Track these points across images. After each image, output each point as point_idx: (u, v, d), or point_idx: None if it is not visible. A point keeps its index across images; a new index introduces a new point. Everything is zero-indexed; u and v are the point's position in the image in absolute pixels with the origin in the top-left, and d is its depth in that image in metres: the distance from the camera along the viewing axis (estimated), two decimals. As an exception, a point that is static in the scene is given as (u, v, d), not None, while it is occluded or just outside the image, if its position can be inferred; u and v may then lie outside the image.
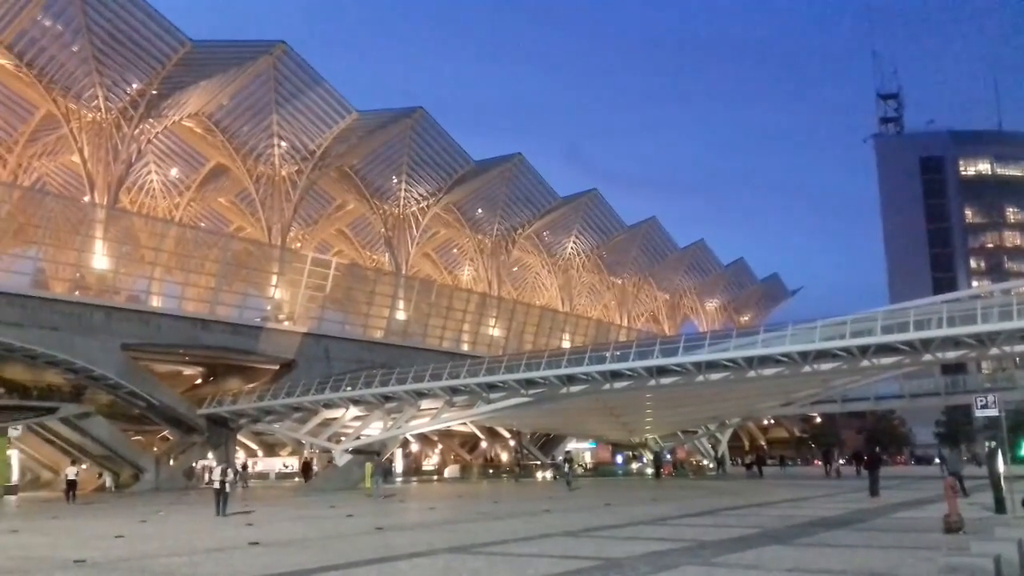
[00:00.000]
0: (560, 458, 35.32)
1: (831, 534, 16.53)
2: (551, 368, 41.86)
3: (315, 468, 55.59)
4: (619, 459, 67.82)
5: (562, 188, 79.35)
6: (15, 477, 49.68)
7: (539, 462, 67.13)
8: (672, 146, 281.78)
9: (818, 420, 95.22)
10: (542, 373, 41.82)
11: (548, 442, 71.68)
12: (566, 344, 74.05)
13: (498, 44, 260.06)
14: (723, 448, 65.66)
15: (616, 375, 40.31)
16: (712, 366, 38.20)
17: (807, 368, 36.79)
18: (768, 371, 37.65)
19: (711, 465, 64.50)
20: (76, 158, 51.83)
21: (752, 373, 37.66)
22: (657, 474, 54.38)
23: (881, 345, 34.69)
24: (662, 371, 39.12)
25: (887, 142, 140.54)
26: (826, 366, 36.99)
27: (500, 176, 71.83)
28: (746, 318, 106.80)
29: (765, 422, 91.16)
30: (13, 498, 43.20)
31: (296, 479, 57.03)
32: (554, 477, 56.51)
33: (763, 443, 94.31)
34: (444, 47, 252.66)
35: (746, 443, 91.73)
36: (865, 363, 36.18)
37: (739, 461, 71.82)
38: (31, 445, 50.99)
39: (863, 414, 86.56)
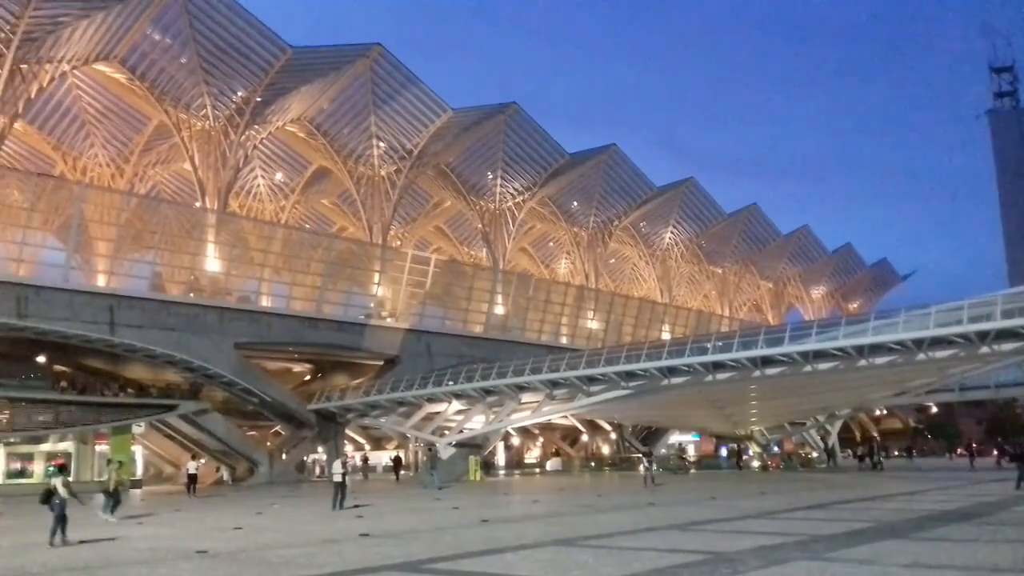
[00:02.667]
0: (645, 460, 34.72)
1: (951, 528, 15.83)
2: (651, 360, 41.40)
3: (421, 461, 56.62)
4: (723, 452, 66.53)
5: (658, 177, 78.61)
6: (139, 472, 52.37)
7: (641, 455, 66.52)
8: (772, 130, 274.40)
9: (934, 410, 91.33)
10: (642, 365, 41.41)
11: (650, 435, 71.02)
12: (666, 336, 73.17)
13: (590, 35, 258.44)
14: (833, 440, 63.69)
15: (719, 366, 39.58)
16: (820, 355, 37.06)
17: (921, 356, 35.28)
18: (880, 360, 36.27)
19: (821, 457, 62.66)
20: (187, 166, 54.17)
21: (863, 362, 36.36)
22: (764, 467, 53.10)
23: (1002, 330, 32.92)
24: (767, 361, 38.18)
25: (1001, 117, 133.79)
26: (942, 354, 35.37)
27: (595, 168, 71.54)
28: (855, 305, 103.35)
29: (877, 412, 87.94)
30: (138, 492, 45.55)
31: (411, 473, 58.26)
32: (659, 470, 55.95)
33: (876, 434, 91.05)
34: (536, 40, 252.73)
35: (858, 434, 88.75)
36: (984, 350, 34.42)
37: (852, 453, 69.56)
38: (153, 441, 53.66)
39: (983, 403, 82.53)
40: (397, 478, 46.60)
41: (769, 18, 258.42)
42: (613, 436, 70.90)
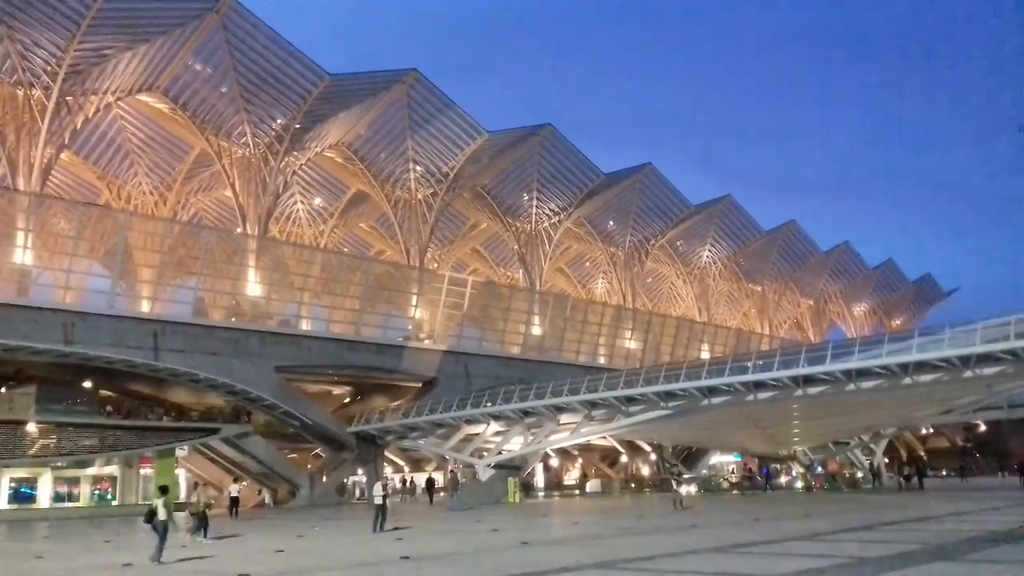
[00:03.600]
0: (674, 483, 34.24)
1: (1003, 549, 15.45)
2: (691, 380, 41.05)
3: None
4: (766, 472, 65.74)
5: (694, 196, 78.31)
6: (183, 495, 52.96)
7: (672, 476, 65.86)
8: (810, 146, 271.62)
9: (983, 428, 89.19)
10: (681, 385, 41.08)
11: (690, 455, 70.32)
12: (705, 355, 72.60)
13: (623, 55, 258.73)
14: (878, 459, 62.57)
15: (759, 385, 39.12)
16: (863, 374, 36.46)
17: (968, 373, 34.52)
18: (925, 377, 35.59)
19: (866, 477, 61.53)
20: (229, 192, 55.12)
21: (907, 380, 35.69)
22: (808, 488, 52.31)
23: (1052, 346, 32.15)
24: (809, 380, 37.66)
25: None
26: (989, 370, 34.59)
27: (631, 187, 71.54)
28: (898, 322, 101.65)
29: (924, 431, 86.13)
30: (181, 515, 46.01)
31: (441, 494, 58.23)
32: (699, 491, 55.45)
33: (922, 453, 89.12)
34: (569, 61, 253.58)
35: (903, 454, 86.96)
36: (1034, 366, 33.66)
37: (900, 473, 68.21)
38: (196, 464, 54.25)
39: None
40: (431, 500, 46.49)
41: (804, 32, 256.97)
42: (653, 457, 70.29)
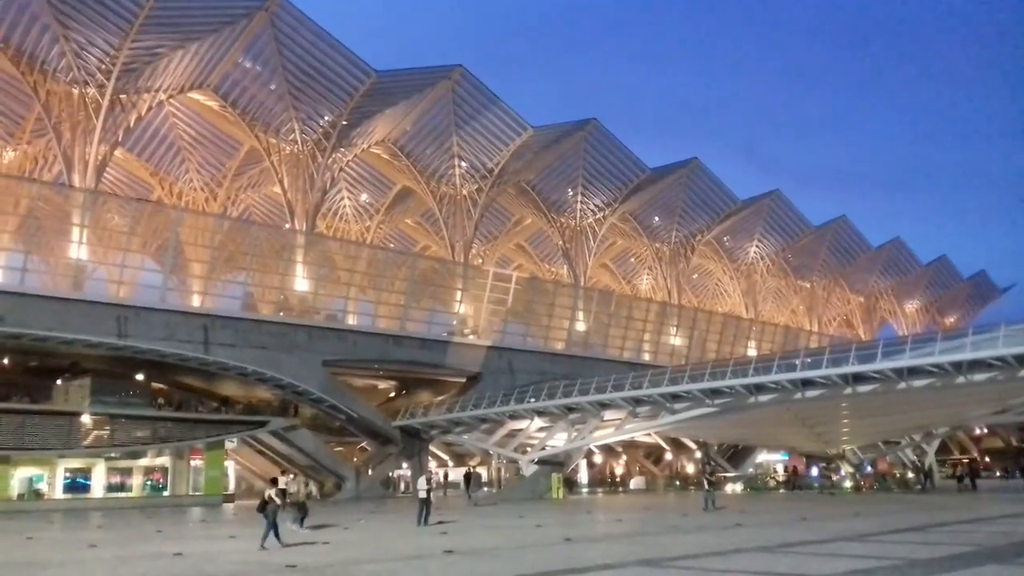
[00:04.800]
0: (706, 482, 33.82)
1: (1060, 555, 15.05)
2: (737, 377, 40.59)
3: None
4: (814, 471, 64.69)
5: (741, 190, 77.40)
6: (232, 486, 53.90)
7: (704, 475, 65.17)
8: (859, 139, 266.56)
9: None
10: (728, 382, 40.65)
11: (736, 453, 69.62)
12: (752, 352, 71.75)
13: (668, 48, 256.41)
14: (930, 460, 61.25)
15: (808, 383, 38.54)
16: (915, 372, 35.71)
17: (1024, 373, 33.67)
18: (979, 376, 34.72)
19: (917, 478, 60.30)
20: (277, 189, 55.84)
21: (960, 379, 34.86)
22: (857, 487, 51.42)
23: (1112, 345, 31.19)
24: (858, 378, 36.99)
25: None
26: (1047, 370, 33.67)
27: (676, 182, 70.95)
28: (951, 319, 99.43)
29: (977, 431, 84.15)
30: (230, 506, 46.88)
31: (484, 489, 58.37)
32: (746, 490, 54.96)
33: (975, 453, 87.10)
34: (614, 55, 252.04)
35: (957, 454, 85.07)
36: (1093, 365, 32.65)
37: (953, 474, 66.73)
38: (245, 456, 55.19)
39: (1092, 421, 77.97)
40: (468, 496, 46.32)
41: (853, 22, 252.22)
42: (698, 455, 69.71)
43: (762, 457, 69.79)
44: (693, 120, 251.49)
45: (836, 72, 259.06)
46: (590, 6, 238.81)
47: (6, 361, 46.40)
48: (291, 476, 48.10)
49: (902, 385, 36.30)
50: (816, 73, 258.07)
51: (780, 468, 67.52)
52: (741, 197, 76.37)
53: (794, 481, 58.15)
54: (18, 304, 40.70)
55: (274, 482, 21.35)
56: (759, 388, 39.91)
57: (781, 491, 54.08)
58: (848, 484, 55.08)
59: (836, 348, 42.77)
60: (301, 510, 24.86)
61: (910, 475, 59.93)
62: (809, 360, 39.34)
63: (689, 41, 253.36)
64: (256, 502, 20.68)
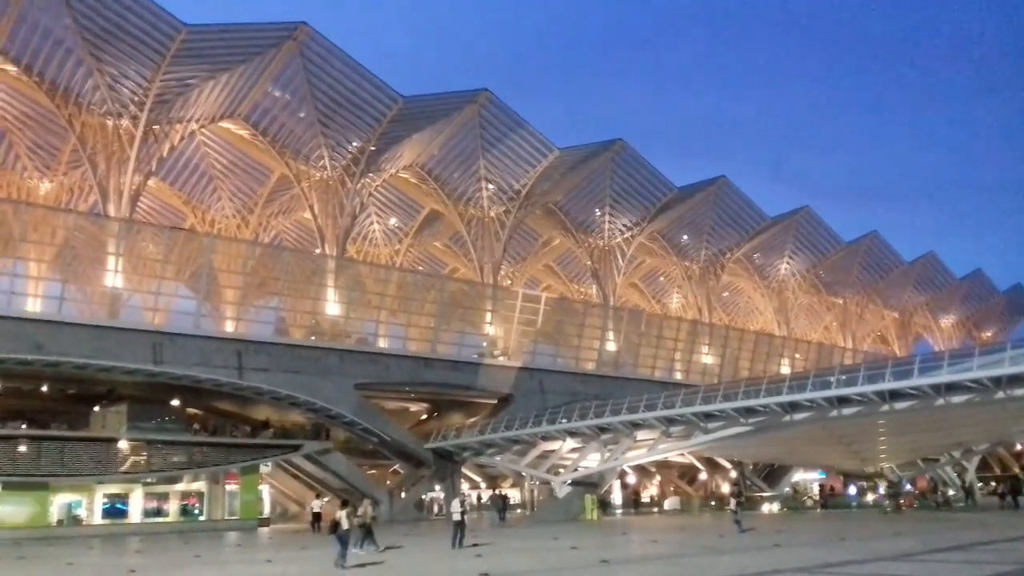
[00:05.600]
0: (732, 502, 33.29)
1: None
2: (771, 395, 40.20)
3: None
4: (852, 490, 63.74)
5: (770, 207, 77.02)
6: (267, 510, 54.15)
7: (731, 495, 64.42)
8: (889, 154, 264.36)
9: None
10: (762, 401, 40.26)
11: (772, 472, 68.80)
12: (785, 370, 71.09)
13: (689, 68, 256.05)
14: (971, 477, 60.16)
15: (843, 401, 38.08)
16: (953, 388, 35.15)
17: (1066, 387, 33.01)
18: (1019, 391, 34.07)
19: (958, 495, 59.16)
20: (307, 214, 56.43)
21: (1000, 394, 34.25)
22: (897, 506, 50.61)
23: None
24: (895, 395, 36.49)
25: None
26: (1089, 383, 33.00)
27: (705, 200, 70.78)
28: (988, 334, 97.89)
29: (1019, 447, 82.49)
30: (265, 530, 47.11)
31: (518, 511, 58.15)
32: (783, 510, 54.26)
33: (1017, 470, 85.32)
34: (636, 76, 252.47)
35: (998, 470, 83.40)
36: None
37: (995, 491, 65.42)
38: (279, 480, 55.45)
39: None
40: (502, 517, 46.06)
41: (879, 37, 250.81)
42: (733, 474, 68.96)
43: (798, 476, 68.92)
44: (719, 139, 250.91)
45: (861, 88, 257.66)
46: (613, 27, 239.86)
47: (45, 389, 47.17)
48: (326, 499, 48.49)
49: (940, 401, 35.76)
50: (841, 89, 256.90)
51: (816, 487, 66.59)
52: (770, 214, 76.01)
53: (825, 500, 57.30)
54: (56, 332, 41.39)
55: (344, 504, 22.39)
56: (794, 406, 39.50)
57: (819, 511, 53.28)
58: (887, 502, 54.23)
59: (871, 364, 42.21)
60: (367, 531, 25.26)
61: (951, 492, 58.90)
62: (844, 377, 38.87)
63: (712, 60, 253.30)
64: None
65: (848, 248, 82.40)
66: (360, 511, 26.19)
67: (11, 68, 47.27)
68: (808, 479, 69.21)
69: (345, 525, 20.54)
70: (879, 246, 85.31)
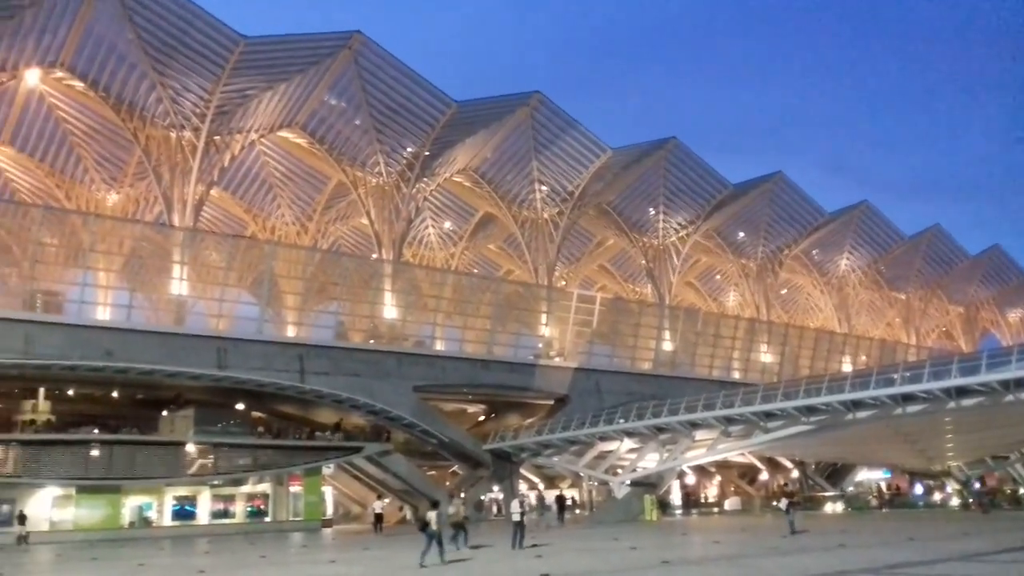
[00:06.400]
0: (784, 502, 32.59)
1: None
2: (833, 393, 39.61)
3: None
4: (919, 489, 62.36)
5: (828, 203, 75.79)
6: (329, 511, 55.03)
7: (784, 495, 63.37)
8: (951, 146, 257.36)
9: None
10: (824, 399, 39.70)
11: (836, 472, 67.65)
12: (847, 367, 69.87)
13: (741, 65, 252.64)
14: (1043, 475, 58.38)
15: (908, 398, 37.34)
16: (1023, 384, 34.27)
17: None
18: (1094, 387, 33.12)
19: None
20: (364, 220, 57.24)
21: (1073, 390, 33.31)
22: (965, 505, 49.40)
23: None
24: (962, 392, 35.65)
25: None
26: None
27: (761, 197, 69.95)
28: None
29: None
30: (328, 531, 47.90)
31: (577, 511, 58.13)
32: (847, 509, 53.36)
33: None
34: (688, 74, 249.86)
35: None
36: None
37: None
38: (341, 482, 56.29)
39: None
40: (561, 519, 45.97)
41: (938, 29, 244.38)
42: (795, 474, 67.97)
43: (863, 475, 67.66)
44: (774, 135, 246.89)
45: (921, 79, 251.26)
46: (664, 26, 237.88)
47: (115, 394, 48.65)
48: (387, 500, 49.16)
49: (1009, 397, 34.88)
50: (899, 81, 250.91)
51: (883, 486, 65.31)
52: (828, 209, 74.77)
53: (890, 499, 56.14)
54: (125, 340, 42.66)
55: (435, 505, 23.25)
56: (857, 404, 38.87)
57: (884, 510, 52.26)
58: (955, 501, 52.99)
59: (937, 361, 41.30)
60: (459, 529, 25.70)
61: (1022, 491, 57.27)
62: (909, 374, 38.13)
63: (765, 56, 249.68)
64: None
65: (910, 242, 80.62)
66: (452, 510, 26.68)
67: (78, 83, 48.93)
68: (873, 478, 67.90)
69: (435, 525, 21.02)
70: (942, 239, 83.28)
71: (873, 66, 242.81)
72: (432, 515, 21.34)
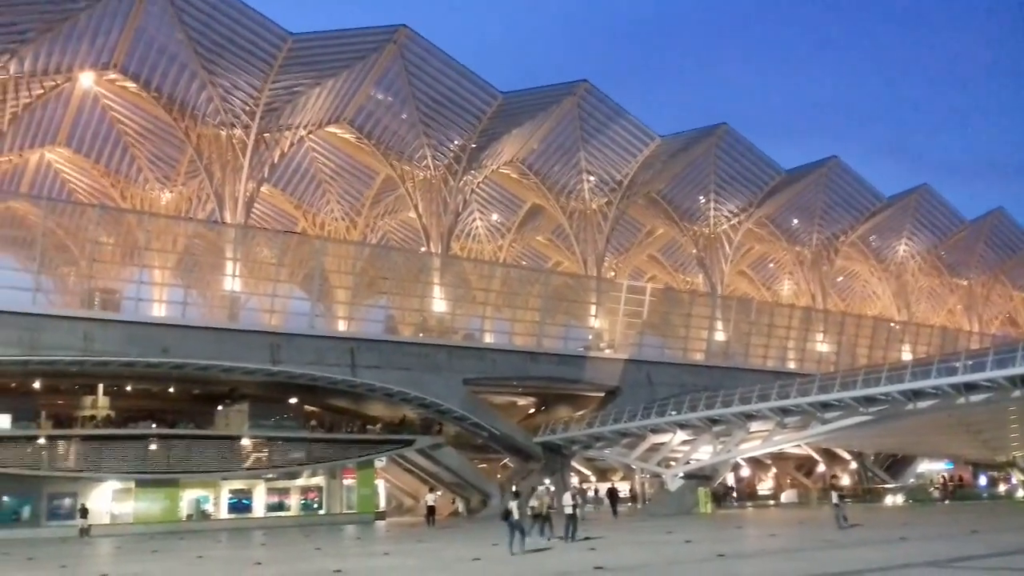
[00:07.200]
0: (834, 495, 31.41)
1: None
2: (892, 383, 38.56)
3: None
4: (982, 480, 60.65)
5: (885, 187, 73.93)
6: (382, 504, 55.48)
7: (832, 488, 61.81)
8: (1013, 125, 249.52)
9: None
10: (883, 389, 38.68)
11: (896, 463, 66.15)
12: (906, 356, 68.25)
13: (791, 49, 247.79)
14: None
15: (970, 387, 36.17)
16: (1093, 371, 32.94)
17: None
18: None
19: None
20: (412, 214, 57.39)
21: None
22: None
23: None
24: (1028, 380, 34.44)
25: None
26: None
27: (815, 183, 68.52)
28: None
29: None
30: (382, 523, 48.24)
31: (628, 504, 57.68)
32: (907, 502, 52.10)
33: None
34: (736, 60, 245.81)
35: None
36: None
37: None
38: (393, 475, 56.69)
39: None
40: (614, 512, 45.46)
41: (994, 7, 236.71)
42: (853, 465, 66.61)
43: (924, 466, 66.05)
44: (827, 119, 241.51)
45: (980, 60, 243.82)
46: (712, 10, 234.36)
47: (172, 390, 49.60)
48: (438, 493, 49.32)
49: (1079, 386, 33.57)
50: (955, 62, 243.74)
51: (945, 477, 63.66)
52: (886, 194, 72.98)
53: (946, 491, 54.68)
54: (181, 336, 43.43)
55: (516, 495, 24.32)
56: (917, 394, 37.82)
57: (946, 502, 50.90)
58: (1021, 493, 51.41)
59: (1001, 348, 39.86)
60: (544, 520, 25.86)
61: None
62: (971, 362, 36.90)
63: (815, 39, 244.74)
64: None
65: (971, 226, 78.37)
66: (535, 502, 26.67)
67: (131, 84, 49.79)
68: (934, 469, 66.28)
69: (516, 514, 21.68)
70: (1005, 223, 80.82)
71: (930, 44, 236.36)
72: (514, 505, 22.04)
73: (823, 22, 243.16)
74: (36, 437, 42.27)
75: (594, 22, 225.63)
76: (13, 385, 44.42)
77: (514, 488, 33.56)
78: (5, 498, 42.22)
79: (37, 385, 45.02)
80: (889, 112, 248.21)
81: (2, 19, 42.08)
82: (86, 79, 48.95)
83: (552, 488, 28.89)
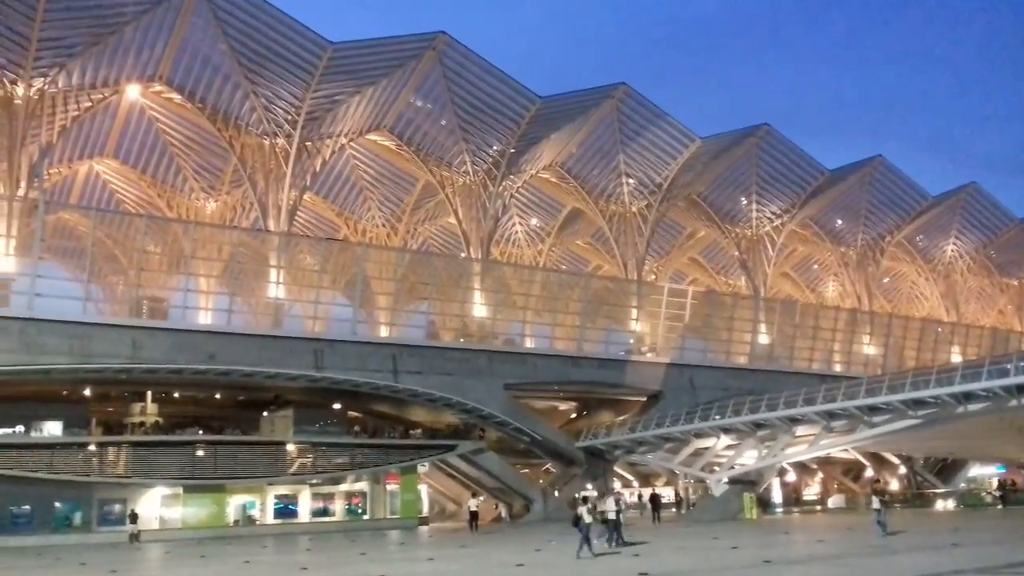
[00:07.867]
0: (875, 500, 30.45)
1: None
2: (942, 385, 37.82)
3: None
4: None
5: (932, 185, 72.65)
6: (425, 509, 55.68)
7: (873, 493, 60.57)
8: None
9: None
10: (932, 391, 37.96)
11: (946, 467, 64.78)
12: (955, 358, 66.79)
13: (833, 46, 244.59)
14: None
15: (1023, 389, 35.38)
16: None
17: None
18: None
19: None
20: (452, 220, 57.63)
21: None
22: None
23: None
24: (1084, 382, 33.56)
25: None
26: None
27: (859, 182, 67.50)
28: None
29: None
30: (425, 528, 48.42)
31: (672, 509, 57.24)
32: (959, 507, 51.00)
33: None
34: (777, 60, 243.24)
35: None
36: None
37: None
38: (436, 480, 56.87)
39: None
40: (656, 517, 44.82)
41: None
42: (902, 470, 65.36)
43: (975, 471, 64.60)
44: (870, 117, 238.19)
45: (1020, 53, 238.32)
46: (752, 11, 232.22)
47: (218, 396, 50.32)
48: (481, 498, 49.35)
49: None
50: (1002, 54, 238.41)
51: (998, 481, 62.18)
52: (932, 192, 71.65)
53: (1001, 496, 53.34)
54: (226, 343, 44.04)
55: (584, 500, 24.48)
56: (968, 396, 37.07)
57: (999, 507, 49.71)
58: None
59: (1055, 349, 38.99)
60: (612, 527, 25.91)
61: None
62: (1023, 364, 36.10)
63: (856, 37, 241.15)
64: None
65: (1022, 224, 76.55)
66: (602, 508, 26.68)
67: (176, 96, 50.72)
68: (986, 474, 64.78)
69: (587, 520, 22.23)
70: (1056, 221, 78.85)
71: (975, 39, 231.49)
72: (584, 510, 22.55)
73: (861, 19, 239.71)
74: (87, 444, 43.09)
75: (632, 25, 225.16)
76: (64, 393, 45.37)
77: (582, 494, 33.72)
78: (58, 504, 43.02)
79: (87, 393, 45.90)
80: (932, 108, 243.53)
81: (51, 34, 43.08)
82: (132, 91, 49.96)
83: (617, 496, 28.83)
